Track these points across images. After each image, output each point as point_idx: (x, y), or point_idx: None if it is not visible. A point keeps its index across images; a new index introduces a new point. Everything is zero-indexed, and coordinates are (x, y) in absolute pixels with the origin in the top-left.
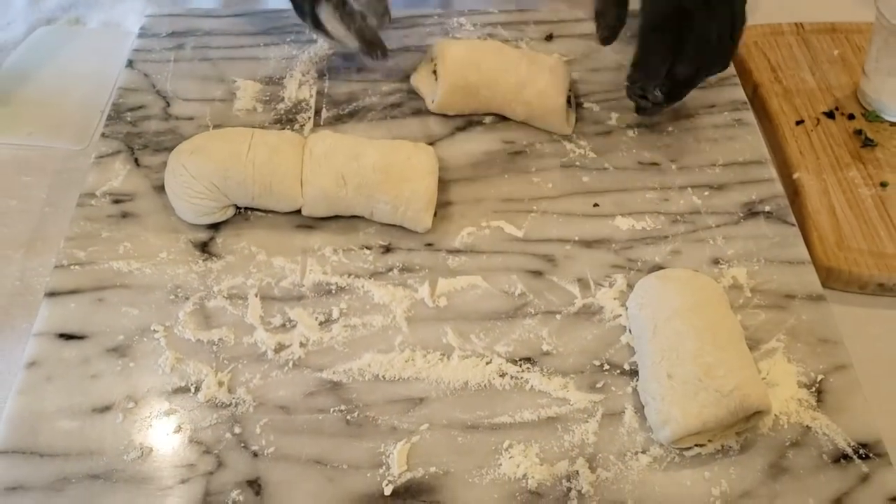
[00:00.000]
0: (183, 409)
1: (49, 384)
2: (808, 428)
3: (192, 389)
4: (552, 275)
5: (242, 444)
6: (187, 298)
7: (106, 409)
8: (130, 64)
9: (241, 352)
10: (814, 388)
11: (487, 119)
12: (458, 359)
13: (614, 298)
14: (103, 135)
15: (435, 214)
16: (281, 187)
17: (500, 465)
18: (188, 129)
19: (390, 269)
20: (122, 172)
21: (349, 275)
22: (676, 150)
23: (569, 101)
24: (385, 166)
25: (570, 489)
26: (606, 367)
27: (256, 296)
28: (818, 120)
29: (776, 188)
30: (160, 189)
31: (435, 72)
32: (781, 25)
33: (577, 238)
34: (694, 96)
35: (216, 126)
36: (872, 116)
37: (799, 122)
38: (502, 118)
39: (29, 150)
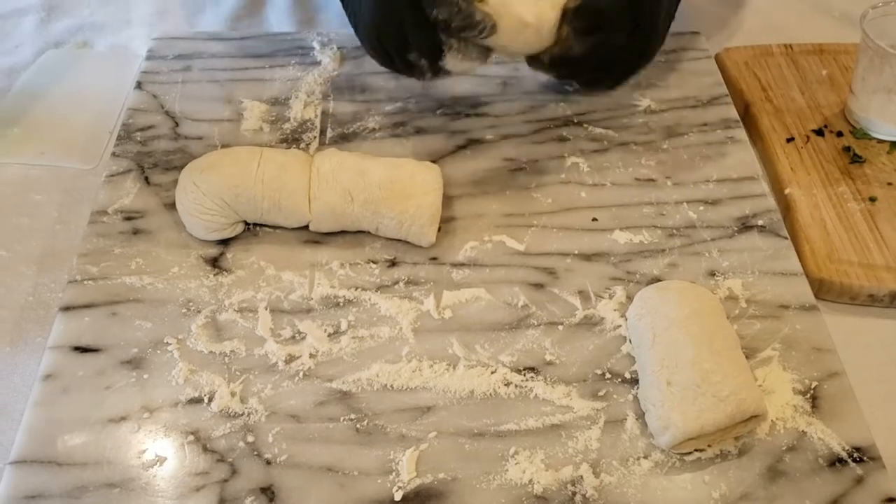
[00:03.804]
0: (197, 419)
1: (65, 396)
2: (804, 433)
3: (206, 400)
4: (553, 287)
5: (255, 453)
6: (199, 312)
7: (121, 419)
8: (139, 85)
9: (253, 363)
10: (808, 395)
11: (488, 136)
12: (463, 368)
13: (614, 309)
14: (114, 154)
15: (439, 229)
16: (289, 203)
17: (507, 470)
18: (197, 149)
19: (396, 283)
20: (133, 190)
21: (356, 288)
22: (671, 167)
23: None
24: (390, 183)
25: (574, 493)
26: (608, 375)
27: (266, 309)
28: (808, 137)
29: (769, 203)
30: (171, 206)
31: None
32: (771, 47)
33: (576, 251)
34: (688, 115)
35: (224, 145)
36: (860, 134)
37: (789, 140)
38: (504, 136)
39: (40, 170)
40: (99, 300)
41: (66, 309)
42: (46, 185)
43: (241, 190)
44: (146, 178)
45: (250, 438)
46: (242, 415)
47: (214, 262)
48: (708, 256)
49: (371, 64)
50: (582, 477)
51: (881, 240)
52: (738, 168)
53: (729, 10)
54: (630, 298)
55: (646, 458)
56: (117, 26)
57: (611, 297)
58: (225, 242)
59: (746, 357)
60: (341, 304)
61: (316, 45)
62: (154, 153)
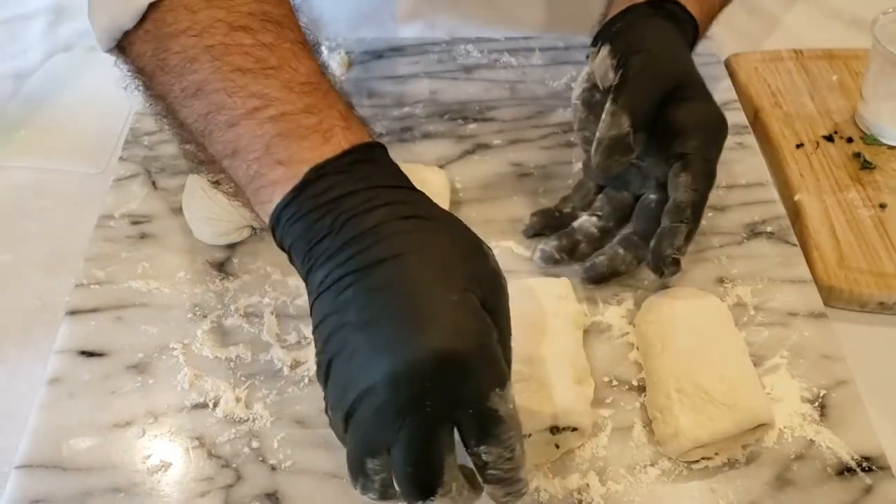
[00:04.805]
0: (202, 425)
1: (70, 400)
2: (812, 441)
3: (211, 405)
4: None
5: (260, 458)
6: (205, 317)
7: (127, 424)
8: None
9: (258, 368)
10: (817, 403)
11: (496, 141)
12: None
13: (622, 316)
14: (121, 158)
15: None
16: None
17: None
18: None
19: None
20: (140, 195)
21: None
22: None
23: None
24: None
25: (581, 501)
26: (615, 383)
27: (272, 314)
28: (818, 143)
29: (778, 209)
30: (178, 211)
31: None
32: (781, 52)
33: None
34: None
35: None
36: (870, 140)
37: (799, 146)
38: (512, 141)
39: (47, 174)
40: (105, 304)
41: (73, 313)
42: (54, 189)
43: None
44: (153, 183)
45: (255, 444)
46: (247, 420)
47: (221, 267)
48: (717, 263)
49: (379, 69)
50: (588, 485)
51: (891, 247)
52: (748, 174)
53: (738, 15)
54: (638, 305)
55: (653, 465)
56: None
57: (619, 303)
58: (231, 247)
59: (754, 364)
60: None
61: (323, 49)
62: (161, 157)
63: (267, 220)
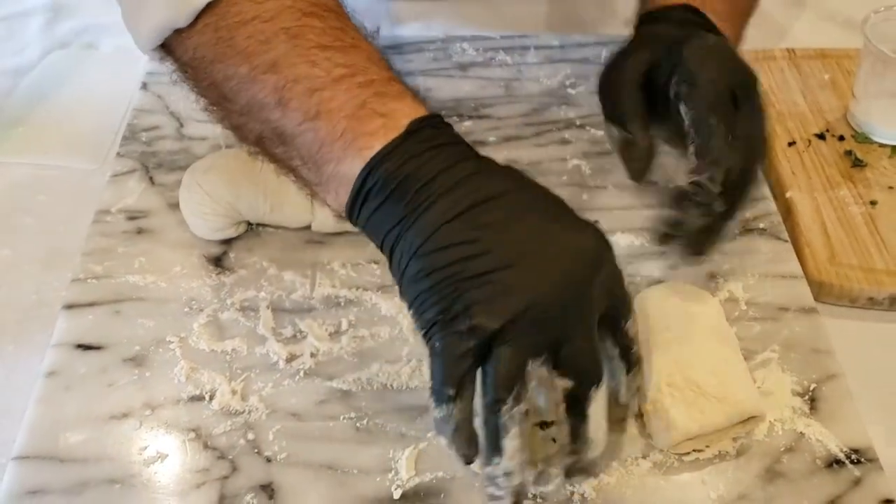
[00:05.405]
0: (198, 417)
1: (67, 393)
2: (802, 434)
3: (207, 398)
4: None
5: (256, 450)
6: (201, 310)
7: (123, 416)
8: (144, 86)
9: (254, 361)
10: (807, 397)
11: (491, 139)
12: None
13: None
14: (119, 154)
15: None
16: (291, 204)
17: None
18: (201, 149)
19: None
20: (138, 190)
21: (357, 288)
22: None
23: None
24: None
25: (573, 493)
26: None
27: (268, 308)
28: (810, 141)
29: (770, 206)
30: (175, 206)
31: None
32: (774, 51)
33: None
34: None
35: (228, 146)
36: (862, 138)
37: (791, 144)
38: (506, 139)
39: (44, 170)
40: (102, 298)
41: (70, 307)
42: (51, 185)
43: (243, 191)
44: (151, 178)
45: (251, 436)
46: (243, 413)
47: (217, 262)
48: (709, 259)
49: None
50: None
51: (881, 243)
52: None
53: None
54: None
55: (644, 458)
56: (123, 28)
57: None
58: (228, 242)
59: (746, 359)
60: (342, 304)
61: None
62: (159, 153)
63: (352, 172)
